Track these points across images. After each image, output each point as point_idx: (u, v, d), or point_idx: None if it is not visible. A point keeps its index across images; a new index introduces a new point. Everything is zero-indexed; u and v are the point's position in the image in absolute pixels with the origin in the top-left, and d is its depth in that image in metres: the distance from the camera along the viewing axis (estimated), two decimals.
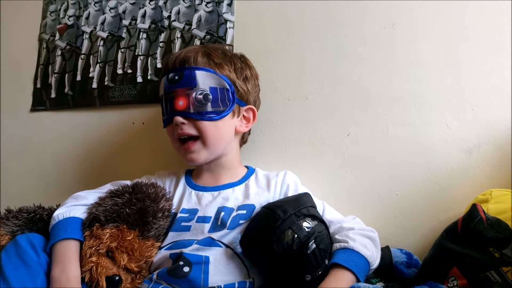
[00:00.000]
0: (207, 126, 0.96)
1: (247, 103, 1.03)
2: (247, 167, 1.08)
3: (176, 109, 0.96)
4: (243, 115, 1.03)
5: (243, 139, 1.10)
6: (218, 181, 1.02)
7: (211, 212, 0.95)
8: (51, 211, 0.97)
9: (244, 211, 0.94)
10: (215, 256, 0.87)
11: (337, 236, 0.89)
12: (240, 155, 1.09)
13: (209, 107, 0.95)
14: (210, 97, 0.95)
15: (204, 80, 0.96)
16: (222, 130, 0.98)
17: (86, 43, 1.41)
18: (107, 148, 1.33)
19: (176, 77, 0.96)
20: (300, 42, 1.19)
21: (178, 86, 0.96)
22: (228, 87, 0.98)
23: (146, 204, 0.89)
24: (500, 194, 0.89)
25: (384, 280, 0.87)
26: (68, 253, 0.85)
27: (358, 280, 0.81)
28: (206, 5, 1.28)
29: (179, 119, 0.95)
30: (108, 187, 0.98)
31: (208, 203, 0.97)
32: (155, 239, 0.90)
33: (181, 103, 0.95)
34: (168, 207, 0.95)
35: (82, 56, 1.40)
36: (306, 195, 0.94)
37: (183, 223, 0.94)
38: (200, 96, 0.95)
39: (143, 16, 1.35)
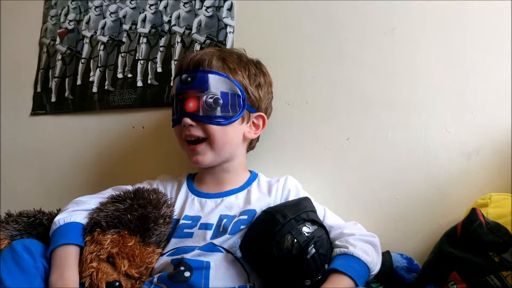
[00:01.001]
0: (215, 130, 0.96)
1: (258, 110, 1.03)
2: (250, 171, 1.08)
3: (185, 111, 0.96)
4: (253, 122, 1.03)
5: (251, 145, 1.09)
6: (221, 187, 1.02)
7: (213, 219, 0.95)
8: (51, 215, 0.97)
9: (245, 217, 0.94)
10: (216, 261, 0.87)
11: (337, 242, 0.89)
12: (246, 160, 1.09)
13: (218, 112, 0.95)
14: (221, 101, 0.95)
15: (216, 84, 0.96)
16: (230, 135, 0.98)
17: (86, 48, 1.41)
18: (107, 152, 1.33)
19: (189, 79, 0.96)
20: (300, 46, 1.19)
21: (190, 88, 0.96)
22: (240, 93, 0.97)
23: (148, 211, 0.89)
24: (499, 199, 0.89)
25: (384, 285, 0.87)
26: (67, 258, 0.85)
27: (357, 286, 0.81)
28: (206, 9, 1.28)
29: (188, 120, 0.96)
30: (109, 192, 0.98)
31: (211, 211, 0.97)
32: (156, 245, 0.90)
33: (191, 105, 0.95)
34: (170, 214, 0.95)
35: (83, 60, 1.41)
36: (306, 200, 0.94)
37: (185, 230, 0.94)
38: (211, 100, 0.95)
39: (143, 20, 1.35)
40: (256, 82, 1.02)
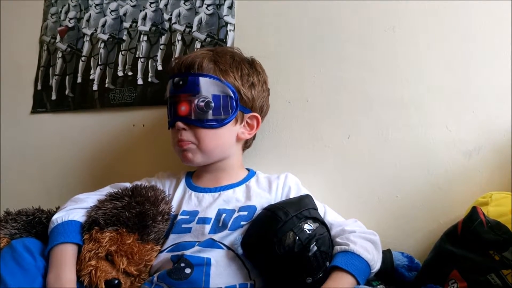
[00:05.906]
0: (206, 134, 0.96)
1: (251, 110, 1.02)
2: (248, 169, 1.08)
3: (178, 114, 0.97)
4: (247, 122, 1.02)
5: (247, 143, 1.09)
6: (218, 182, 1.02)
7: (211, 214, 0.94)
8: (50, 214, 0.96)
9: (246, 213, 0.94)
10: (217, 258, 0.87)
11: (338, 239, 0.89)
12: (242, 158, 1.09)
13: (210, 115, 0.95)
14: (212, 104, 0.95)
15: (208, 87, 0.95)
16: (222, 138, 0.98)
17: (86, 45, 1.41)
18: (108, 150, 1.33)
19: (181, 82, 0.97)
20: (300, 44, 1.19)
21: (182, 92, 0.96)
22: (232, 95, 0.97)
23: (146, 208, 0.89)
24: (500, 197, 0.89)
25: (385, 283, 0.87)
26: (64, 257, 0.85)
27: (358, 283, 0.81)
28: (206, 7, 1.28)
29: (180, 124, 0.96)
30: (107, 190, 0.98)
31: (209, 205, 0.97)
32: (155, 243, 0.90)
33: (183, 108, 0.96)
34: (168, 210, 0.95)
35: (83, 58, 1.40)
36: (307, 197, 0.94)
37: (183, 225, 0.94)
38: (202, 104, 0.95)
39: (144, 18, 1.35)
40: (249, 82, 1.01)
